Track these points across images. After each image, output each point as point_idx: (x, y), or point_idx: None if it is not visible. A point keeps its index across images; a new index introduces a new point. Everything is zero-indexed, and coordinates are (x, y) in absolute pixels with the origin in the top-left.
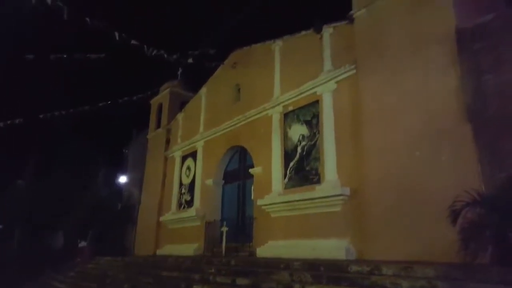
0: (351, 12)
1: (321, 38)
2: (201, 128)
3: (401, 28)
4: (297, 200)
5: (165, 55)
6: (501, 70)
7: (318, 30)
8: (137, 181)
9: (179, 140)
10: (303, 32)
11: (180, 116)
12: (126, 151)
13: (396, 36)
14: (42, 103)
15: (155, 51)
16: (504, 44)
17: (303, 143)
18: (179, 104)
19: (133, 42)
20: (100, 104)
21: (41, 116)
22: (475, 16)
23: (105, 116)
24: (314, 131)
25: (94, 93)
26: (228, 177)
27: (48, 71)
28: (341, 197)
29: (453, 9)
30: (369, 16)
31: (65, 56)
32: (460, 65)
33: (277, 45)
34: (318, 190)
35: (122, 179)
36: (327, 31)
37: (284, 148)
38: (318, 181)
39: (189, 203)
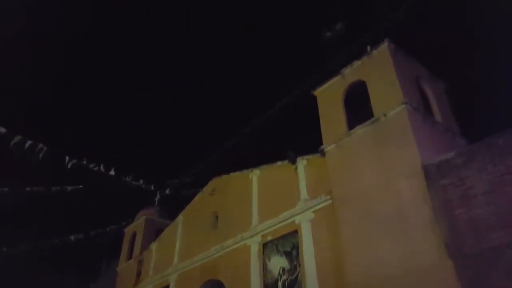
0: (322, 146)
1: (296, 168)
2: (175, 259)
3: (370, 163)
4: None
5: (143, 184)
6: (471, 205)
7: (293, 161)
8: None
9: (150, 272)
10: (279, 163)
11: (153, 246)
12: (93, 286)
13: (366, 170)
14: (5, 235)
15: (133, 180)
16: (469, 180)
17: (284, 277)
18: (155, 232)
19: (110, 172)
20: (71, 238)
21: (4, 249)
22: (438, 152)
23: (74, 248)
24: (295, 263)
25: (67, 223)
26: None
27: (21, 203)
28: None
29: (416, 146)
30: (339, 151)
31: (40, 188)
32: (431, 200)
33: (255, 174)
34: None
35: None
36: (301, 162)
37: (264, 282)
38: None
39: None
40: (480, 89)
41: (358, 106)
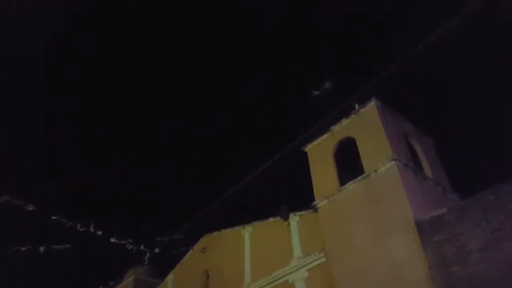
0: (314, 202)
1: (288, 224)
2: None
3: (363, 218)
4: None
5: (132, 243)
6: (467, 262)
7: (285, 217)
8: None
9: None
10: (271, 219)
11: None
12: None
13: (359, 225)
14: None
15: (121, 239)
16: (463, 236)
17: None
18: None
19: (100, 232)
20: None
21: None
22: (430, 207)
23: None
24: None
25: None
26: None
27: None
28: None
29: (408, 202)
30: (331, 207)
31: (26, 247)
32: (426, 256)
33: (247, 230)
34: None
35: None
36: (294, 218)
37: None
38: None
39: None
40: (469, 143)
41: (349, 162)
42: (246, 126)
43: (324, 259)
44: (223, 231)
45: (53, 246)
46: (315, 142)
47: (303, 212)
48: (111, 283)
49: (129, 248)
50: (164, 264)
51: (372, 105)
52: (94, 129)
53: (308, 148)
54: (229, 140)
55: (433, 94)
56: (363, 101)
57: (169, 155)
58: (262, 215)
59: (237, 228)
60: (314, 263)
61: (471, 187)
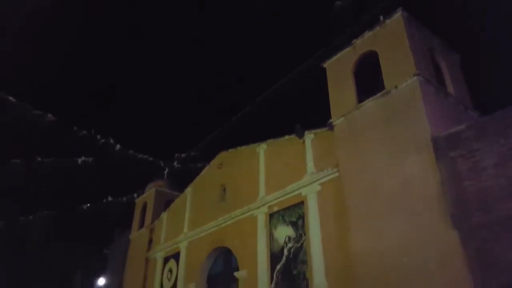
0: (330, 120)
1: (303, 142)
2: (185, 228)
3: (378, 136)
4: None
5: (152, 158)
6: (480, 178)
7: (300, 136)
8: (117, 284)
9: (162, 240)
10: (286, 136)
11: (164, 216)
12: (107, 251)
13: (374, 143)
14: (22, 204)
15: (143, 154)
16: (480, 152)
17: (290, 245)
18: (164, 203)
19: (120, 146)
20: (84, 206)
21: (21, 218)
22: (449, 125)
23: (87, 217)
24: (300, 232)
25: (79, 194)
26: (212, 281)
27: (33, 174)
28: None
29: (427, 119)
30: (348, 125)
31: (50, 159)
32: (439, 172)
33: (262, 148)
34: None
35: (101, 281)
36: (309, 136)
37: (270, 250)
38: (307, 287)
39: None
40: (495, 60)
41: (368, 79)
42: (265, 41)
43: (336, 174)
44: (239, 148)
45: (76, 159)
46: (335, 57)
47: (318, 130)
48: (134, 195)
49: (151, 160)
50: (182, 179)
51: (398, 16)
52: (116, 37)
53: (327, 63)
54: (248, 56)
55: (463, 8)
56: (388, 13)
57: (189, 72)
58: (277, 135)
59: (252, 145)
60: (327, 178)
61: (495, 106)
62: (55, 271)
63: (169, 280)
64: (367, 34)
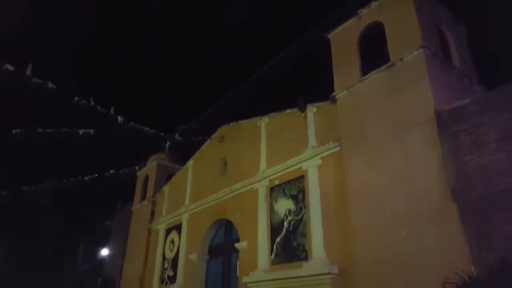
0: (333, 93)
1: (305, 116)
2: (187, 201)
3: (381, 111)
4: (284, 278)
5: (154, 130)
6: (482, 152)
7: (302, 109)
8: (120, 254)
9: (164, 212)
10: (288, 110)
11: (166, 188)
12: (110, 223)
13: (377, 118)
14: (23, 176)
15: (143, 126)
16: (483, 127)
17: (290, 217)
18: (166, 176)
19: (121, 117)
20: (86, 178)
21: (24, 188)
22: (453, 99)
23: (89, 189)
24: (301, 205)
25: (80, 166)
26: (213, 251)
27: (33, 145)
28: (329, 276)
29: (431, 93)
30: (351, 98)
31: (51, 130)
32: (441, 147)
33: (263, 122)
34: (306, 268)
35: (104, 252)
36: (311, 110)
37: (271, 222)
38: (306, 258)
39: (172, 279)
40: (502, 34)
41: (372, 52)
42: (267, 11)
43: (338, 148)
44: (240, 121)
45: (77, 130)
46: (339, 28)
47: (321, 103)
48: (136, 167)
49: (152, 133)
50: (184, 153)
51: None
52: (118, 12)
53: (332, 34)
54: (249, 26)
55: None
56: None
57: (190, 43)
58: (279, 108)
59: (254, 119)
60: (328, 152)
61: (501, 81)
62: (59, 243)
63: (171, 251)
64: (374, 4)
